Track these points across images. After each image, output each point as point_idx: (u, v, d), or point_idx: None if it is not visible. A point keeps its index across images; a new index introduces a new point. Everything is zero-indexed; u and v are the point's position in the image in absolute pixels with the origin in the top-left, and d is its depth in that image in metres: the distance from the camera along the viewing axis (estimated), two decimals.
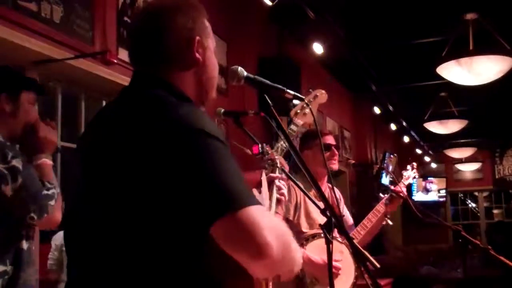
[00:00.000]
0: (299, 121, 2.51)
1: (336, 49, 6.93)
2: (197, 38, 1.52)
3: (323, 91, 2.58)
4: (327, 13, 5.99)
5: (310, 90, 2.50)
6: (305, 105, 2.45)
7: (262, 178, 1.89)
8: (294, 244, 1.38)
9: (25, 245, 2.21)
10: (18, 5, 3.22)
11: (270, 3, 5.04)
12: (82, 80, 3.89)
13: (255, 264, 1.27)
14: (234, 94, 5.20)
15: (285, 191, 2.12)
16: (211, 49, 1.58)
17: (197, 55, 1.51)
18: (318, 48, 6.32)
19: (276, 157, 2.14)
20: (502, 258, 3.00)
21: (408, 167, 3.88)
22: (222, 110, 2.34)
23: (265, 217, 1.28)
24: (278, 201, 2.07)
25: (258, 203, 1.29)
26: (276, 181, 2.08)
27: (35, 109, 2.44)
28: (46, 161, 2.34)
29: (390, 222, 3.55)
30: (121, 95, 1.51)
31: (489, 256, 3.05)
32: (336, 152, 3.54)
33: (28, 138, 2.34)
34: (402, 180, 3.78)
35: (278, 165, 2.10)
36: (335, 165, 3.52)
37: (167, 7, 1.53)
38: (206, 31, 1.57)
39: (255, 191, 1.76)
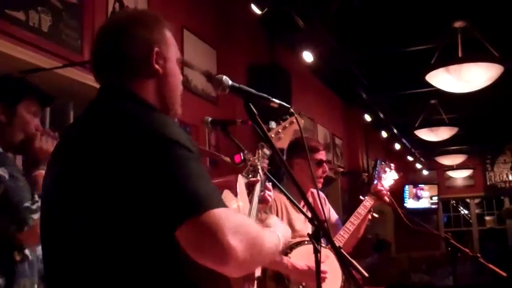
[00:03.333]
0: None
1: (326, 57, 6.95)
2: (156, 49, 1.53)
3: (299, 117, 2.58)
4: (317, 21, 6.00)
5: (287, 116, 2.49)
6: (280, 130, 2.45)
7: (238, 183, 1.89)
8: (265, 242, 1.38)
9: (18, 256, 2.18)
10: (6, 14, 3.20)
11: (259, 12, 5.05)
12: (70, 89, 3.86)
13: (220, 268, 1.28)
14: (223, 103, 5.20)
15: (271, 193, 2.13)
16: (172, 60, 1.58)
17: (156, 66, 1.53)
18: (308, 57, 6.32)
19: (258, 165, 2.15)
20: (491, 265, 3.01)
21: (387, 169, 3.91)
22: (210, 119, 2.35)
23: (230, 219, 1.28)
24: (264, 201, 2.08)
25: (223, 205, 1.29)
26: (258, 185, 2.09)
27: (35, 119, 2.39)
28: (42, 172, 2.28)
29: (375, 215, 3.58)
30: (88, 108, 1.52)
31: (479, 263, 3.06)
32: (327, 169, 3.57)
33: (26, 149, 2.33)
34: (383, 182, 3.80)
35: (260, 170, 2.11)
36: (320, 184, 3.58)
37: (125, 20, 1.56)
38: (167, 42, 1.57)
39: (228, 193, 1.76)
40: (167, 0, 4.74)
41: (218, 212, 1.25)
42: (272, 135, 2.51)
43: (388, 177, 3.86)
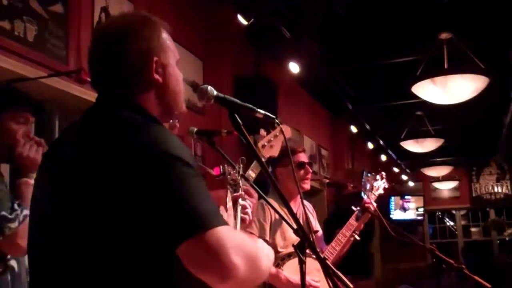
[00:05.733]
0: (266, 154, 2.51)
1: (312, 68, 6.97)
2: (155, 58, 1.51)
3: (287, 127, 2.58)
4: (303, 32, 6.02)
5: (277, 124, 2.49)
6: (271, 139, 2.44)
7: (227, 199, 1.89)
8: (263, 259, 1.39)
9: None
10: None
11: (245, 22, 5.06)
12: (56, 99, 3.84)
13: (222, 285, 1.27)
14: (210, 113, 5.19)
15: (249, 210, 2.12)
16: (171, 63, 1.57)
17: (156, 76, 1.51)
18: (294, 68, 6.34)
19: (244, 185, 2.13)
20: (475, 277, 3.01)
21: (378, 177, 3.90)
22: (195, 130, 2.33)
23: (232, 237, 1.28)
24: (242, 220, 2.07)
25: (225, 223, 1.29)
26: (240, 200, 2.07)
27: (24, 127, 2.34)
28: (26, 180, 2.26)
29: (357, 238, 3.56)
30: (86, 115, 1.50)
31: (464, 274, 3.06)
32: (310, 170, 3.53)
33: (11, 157, 2.29)
34: (373, 191, 3.80)
35: (241, 185, 2.10)
36: (307, 185, 3.51)
37: (121, 30, 1.52)
38: (164, 47, 1.55)
39: (222, 209, 1.76)
40: (153, 10, 4.71)
41: (221, 230, 1.26)
42: (265, 143, 2.51)
43: (379, 187, 3.85)
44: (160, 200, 1.26)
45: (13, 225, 2.12)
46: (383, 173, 3.98)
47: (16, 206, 2.16)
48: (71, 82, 3.72)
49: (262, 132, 2.50)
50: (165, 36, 1.57)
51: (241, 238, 1.36)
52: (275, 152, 2.52)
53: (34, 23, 3.49)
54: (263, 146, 2.52)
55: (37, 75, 3.44)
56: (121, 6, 4.26)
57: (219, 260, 1.23)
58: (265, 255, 1.43)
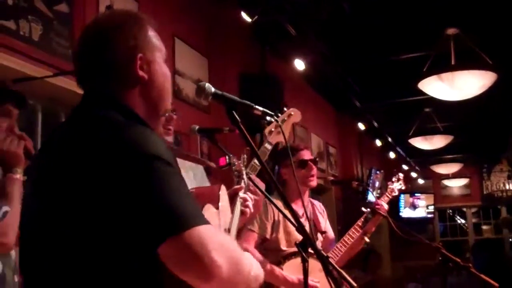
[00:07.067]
0: (273, 140, 2.49)
1: (318, 65, 6.95)
2: (140, 55, 1.50)
3: (297, 110, 2.57)
4: (309, 29, 6.01)
5: (285, 108, 2.50)
6: (279, 124, 2.44)
7: (220, 193, 1.88)
8: (248, 261, 1.38)
9: None
10: None
11: (249, 20, 5.05)
12: (62, 97, 3.85)
13: (203, 285, 1.26)
14: (215, 112, 5.18)
15: (250, 203, 2.11)
16: (158, 61, 1.56)
17: (140, 73, 1.50)
18: (300, 65, 6.32)
19: (251, 175, 2.13)
20: (482, 276, 2.98)
21: (394, 179, 3.85)
22: (197, 127, 2.34)
23: (214, 236, 1.27)
24: (242, 213, 2.06)
25: (207, 222, 1.28)
26: (241, 193, 2.07)
27: (3, 121, 2.27)
28: (10, 175, 2.17)
29: (367, 240, 3.51)
30: (71, 115, 1.50)
31: (471, 273, 3.03)
32: (313, 167, 3.44)
33: None
34: (387, 193, 3.74)
35: (245, 176, 2.10)
36: (313, 182, 3.44)
37: (106, 27, 1.52)
38: (150, 45, 1.55)
39: (209, 206, 1.75)
40: (158, 8, 4.74)
41: (202, 229, 1.24)
42: (272, 129, 2.49)
43: (394, 188, 3.79)
44: (139, 199, 1.24)
45: None
46: (401, 174, 3.93)
47: None
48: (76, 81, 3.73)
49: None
50: (151, 33, 1.56)
51: (224, 239, 1.34)
52: (282, 138, 2.49)
53: (39, 22, 3.50)
54: (270, 132, 2.50)
55: (43, 74, 3.45)
56: (126, 5, 4.27)
57: (200, 260, 1.21)
58: (249, 263, 1.40)
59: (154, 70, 1.53)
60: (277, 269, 3.12)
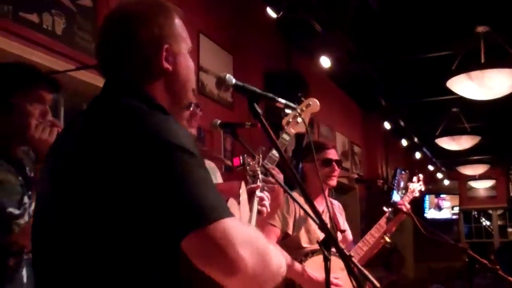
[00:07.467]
0: (292, 130, 2.44)
1: (345, 63, 6.89)
2: (166, 46, 1.46)
3: (316, 100, 2.50)
4: (335, 26, 5.94)
5: (303, 98, 2.43)
6: (297, 114, 2.37)
7: (240, 190, 1.83)
8: (275, 255, 1.32)
9: (12, 262, 2.01)
10: (20, 17, 3.18)
11: (274, 15, 5.01)
12: (84, 91, 3.84)
13: (228, 279, 1.21)
14: (239, 108, 5.15)
15: (266, 202, 2.06)
16: (183, 52, 1.51)
17: (165, 64, 1.46)
18: (325, 62, 6.26)
19: (269, 166, 2.08)
20: (511, 278, 2.92)
21: (414, 179, 3.82)
22: (218, 122, 2.30)
23: (240, 229, 1.22)
24: (259, 212, 2.01)
25: (232, 215, 1.23)
26: (257, 192, 2.02)
27: (35, 108, 2.14)
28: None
29: (388, 240, 3.47)
30: (91, 104, 1.46)
31: (498, 275, 2.97)
32: (337, 168, 3.40)
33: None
34: (408, 193, 3.71)
35: (260, 176, 2.05)
36: (333, 181, 3.39)
37: (132, 16, 1.47)
38: (176, 35, 1.50)
39: (233, 202, 1.70)
40: (183, 4, 4.70)
41: (227, 222, 1.20)
42: (290, 119, 2.44)
43: (414, 189, 3.75)
44: (162, 191, 1.21)
45: (22, 220, 1.99)
46: (421, 175, 3.88)
47: (26, 198, 2.04)
48: (99, 75, 3.71)
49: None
50: (178, 23, 1.52)
51: (250, 232, 1.30)
52: (301, 127, 2.45)
53: (62, 16, 3.50)
54: (288, 122, 2.45)
55: (65, 68, 3.44)
56: None
57: (225, 253, 1.17)
58: (276, 257, 1.35)
59: (179, 62, 1.49)
60: (300, 266, 3.08)
